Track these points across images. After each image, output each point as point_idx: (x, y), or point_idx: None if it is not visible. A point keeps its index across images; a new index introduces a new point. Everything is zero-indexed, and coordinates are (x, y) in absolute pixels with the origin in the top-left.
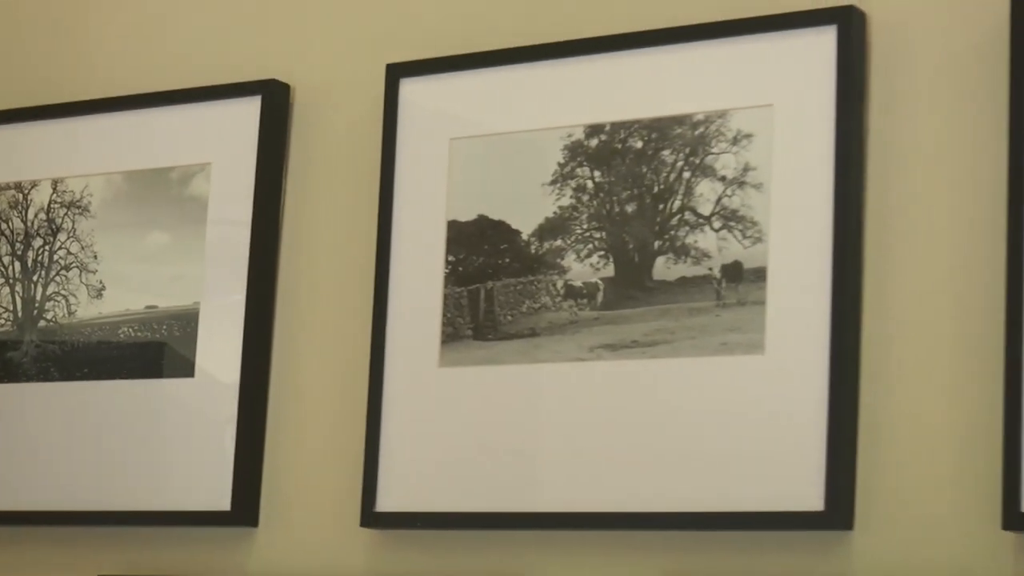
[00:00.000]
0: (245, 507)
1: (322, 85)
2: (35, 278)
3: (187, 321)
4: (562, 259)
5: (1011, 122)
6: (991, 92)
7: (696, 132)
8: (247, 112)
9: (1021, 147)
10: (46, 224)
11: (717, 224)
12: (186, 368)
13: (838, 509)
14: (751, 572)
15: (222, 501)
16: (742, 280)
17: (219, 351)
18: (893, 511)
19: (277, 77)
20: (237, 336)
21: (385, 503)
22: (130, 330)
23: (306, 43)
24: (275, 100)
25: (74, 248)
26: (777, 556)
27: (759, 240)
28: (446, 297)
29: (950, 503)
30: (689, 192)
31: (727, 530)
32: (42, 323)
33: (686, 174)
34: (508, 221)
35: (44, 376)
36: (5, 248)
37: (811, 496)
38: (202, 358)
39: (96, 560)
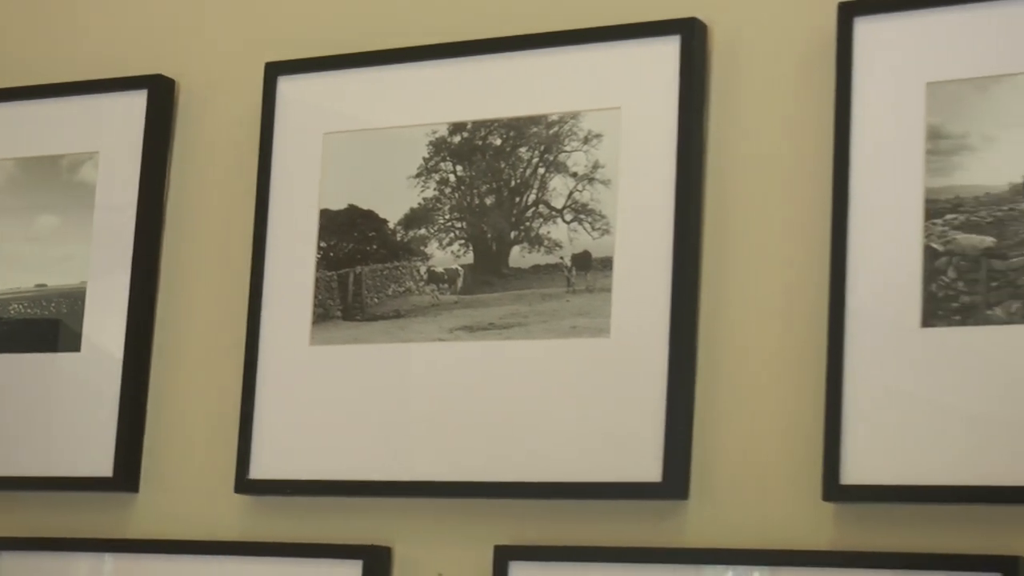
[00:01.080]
0: (126, 474)
1: (205, 81)
2: None
3: (75, 299)
4: (425, 247)
5: (836, 125)
6: (819, 97)
7: (550, 131)
8: (134, 105)
9: (845, 147)
10: None
11: (568, 217)
12: (73, 343)
13: (674, 480)
14: (596, 537)
15: (105, 468)
16: (590, 269)
17: (105, 327)
18: (725, 482)
19: (163, 72)
20: (122, 313)
21: (258, 471)
22: (20, 307)
23: (191, 41)
24: (160, 94)
25: None
26: (619, 523)
27: (607, 232)
28: (318, 280)
29: (777, 476)
30: (543, 187)
31: (575, 499)
32: None
33: (541, 170)
34: (376, 211)
35: None
36: None
37: (650, 468)
38: (89, 333)
39: None
